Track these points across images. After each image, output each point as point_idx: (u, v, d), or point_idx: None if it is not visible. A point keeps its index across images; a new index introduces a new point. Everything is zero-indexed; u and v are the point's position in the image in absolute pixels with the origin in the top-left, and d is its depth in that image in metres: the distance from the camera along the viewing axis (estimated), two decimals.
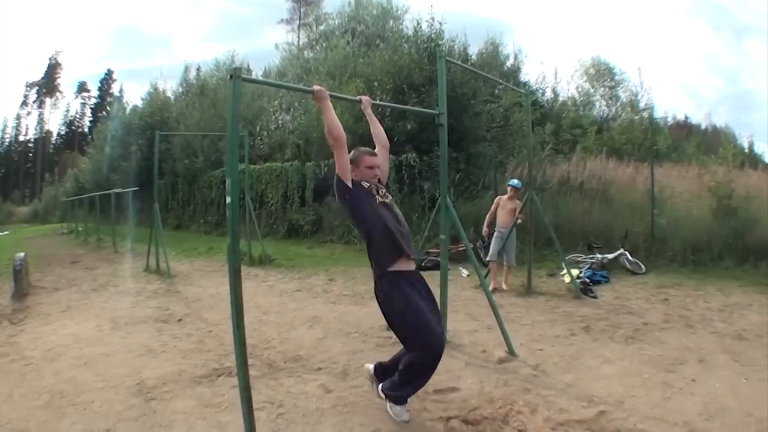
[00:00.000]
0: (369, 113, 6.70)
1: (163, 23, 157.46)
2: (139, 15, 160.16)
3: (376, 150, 6.36)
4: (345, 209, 5.98)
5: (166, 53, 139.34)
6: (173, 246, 20.89)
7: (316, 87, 5.96)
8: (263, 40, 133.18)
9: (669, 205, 17.73)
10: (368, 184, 5.93)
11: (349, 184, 5.81)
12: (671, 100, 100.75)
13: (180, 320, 10.23)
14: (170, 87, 47.64)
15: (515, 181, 13.48)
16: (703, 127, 52.45)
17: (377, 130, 6.54)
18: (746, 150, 36.68)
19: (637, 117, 34.23)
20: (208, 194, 32.57)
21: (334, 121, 5.77)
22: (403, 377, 5.69)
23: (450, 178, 17.89)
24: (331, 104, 5.88)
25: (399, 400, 5.79)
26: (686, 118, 54.58)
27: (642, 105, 36.10)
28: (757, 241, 14.94)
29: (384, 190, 6.06)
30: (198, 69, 46.99)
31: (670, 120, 44.49)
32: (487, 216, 13.13)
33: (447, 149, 8.56)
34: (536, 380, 6.81)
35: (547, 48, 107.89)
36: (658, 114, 38.18)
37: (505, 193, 13.15)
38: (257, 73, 41.24)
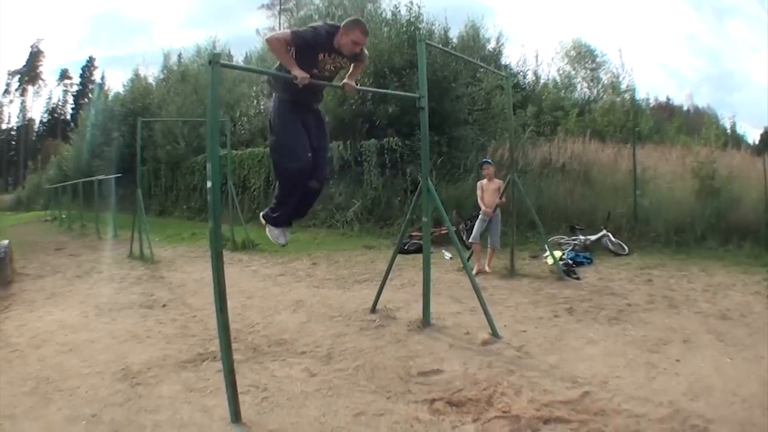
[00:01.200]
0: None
1: (143, 9, 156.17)
2: (119, 2, 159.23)
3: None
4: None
5: (147, 39, 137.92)
6: (156, 232, 20.80)
7: (298, 72, 6.07)
8: (244, 26, 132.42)
9: (651, 187, 17.72)
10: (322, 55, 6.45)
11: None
12: (653, 81, 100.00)
13: (164, 306, 10.24)
14: (152, 73, 47.42)
15: (486, 159, 13.88)
16: (685, 108, 52.55)
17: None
18: (728, 131, 36.86)
19: (618, 99, 34.02)
20: (190, 180, 32.50)
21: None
22: (276, 200, 6.80)
23: (432, 161, 17.90)
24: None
25: (274, 221, 6.95)
26: (668, 99, 54.55)
27: (623, 87, 35.86)
28: (740, 221, 15.01)
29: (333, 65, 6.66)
30: (179, 55, 46.79)
31: (652, 101, 44.42)
32: (478, 201, 13.07)
33: (428, 132, 8.58)
34: (520, 362, 6.82)
35: (528, 30, 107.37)
36: (640, 95, 38.26)
37: (484, 178, 13.18)
38: (238, 59, 41.03)
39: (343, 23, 6.54)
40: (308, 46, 6.27)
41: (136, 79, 45.70)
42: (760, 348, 7.09)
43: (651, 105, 42.19)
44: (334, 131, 22.50)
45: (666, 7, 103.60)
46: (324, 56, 6.43)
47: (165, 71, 45.42)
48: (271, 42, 6.31)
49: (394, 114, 20.97)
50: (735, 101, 75.25)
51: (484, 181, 13.04)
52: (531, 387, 5.93)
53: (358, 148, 21.78)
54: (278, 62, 6.36)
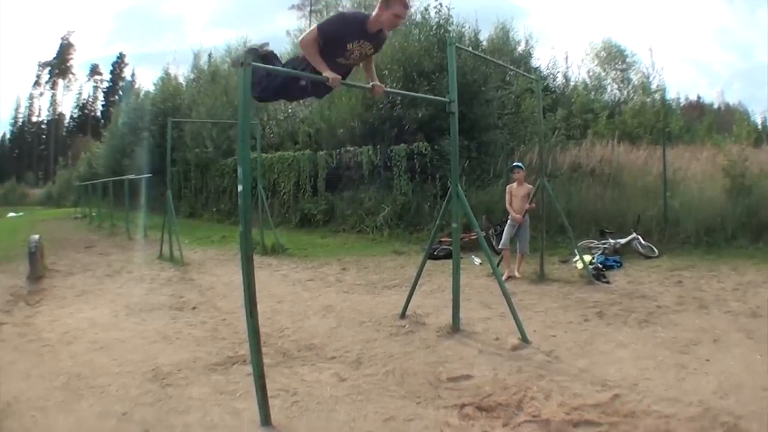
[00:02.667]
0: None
1: (173, 5, 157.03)
2: None
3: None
4: None
5: (178, 37, 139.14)
6: (186, 234, 20.85)
7: (330, 75, 6.09)
8: (275, 26, 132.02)
9: (682, 187, 17.61)
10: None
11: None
12: (684, 79, 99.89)
13: (194, 308, 10.31)
14: (182, 72, 47.49)
15: (517, 163, 13.66)
16: (716, 106, 52.19)
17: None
18: (759, 126, 36.58)
19: (649, 99, 33.86)
20: (220, 183, 32.45)
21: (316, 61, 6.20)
22: None
23: (461, 166, 17.90)
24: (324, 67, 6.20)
25: None
26: (699, 98, 54.55)
27: (654, 87, 35.69)
28: None
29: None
30: (209, 55, 46.83)
31: (682, 101, 44.28)
32: (507, 206, 13.03)
33: (458, 137, 8.57)
34: (550, 366, 6.81)
35: (558, 31, 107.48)
36: (670, 95, 38.13)
37: (513, 181, 13.15)
38: None
39: None
40: (338, 36, 6.21)
41: (167, 78, 45.63)
42: None
43: (681, 104, 42.06)
44: (362, 136, 22.73)
45: (697, 0, 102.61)
46: (352, 45, 6.31)
47: (195, 71, 45.49)
48: (303, 45, 6.23)
49: (423, 118, 20.91)
50: (767, 95, 74.52)
51: (514, 185, 12.99)
52: (561, 391, 5.91)
53: (388, 153, 21.71)
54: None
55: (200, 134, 34.04)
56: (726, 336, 7.60)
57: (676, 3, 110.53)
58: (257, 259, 11.27)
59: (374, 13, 6.23)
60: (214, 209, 32.32)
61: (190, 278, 13.53)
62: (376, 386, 6.20)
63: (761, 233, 14.74)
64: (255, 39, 79.45)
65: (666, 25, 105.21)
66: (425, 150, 20.76)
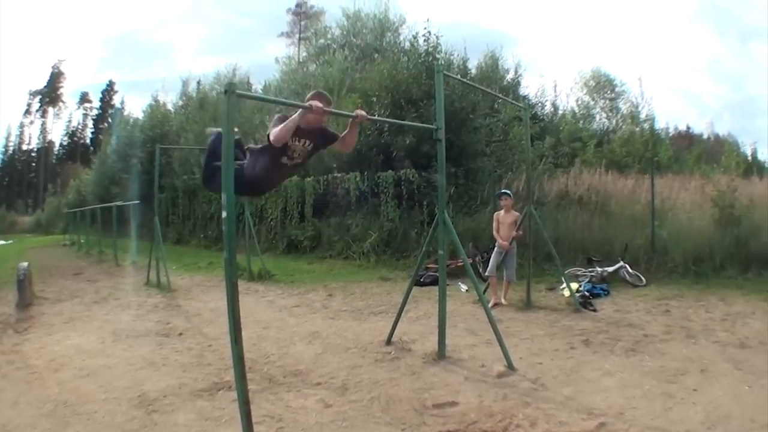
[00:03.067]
0: (355, 126, 6.86)
1: (162, 33, 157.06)
2: (139, 25, 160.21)
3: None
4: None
5: (167, 64, 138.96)
6: (174, 260, 20.86)
7: (314, 103, 6.12)
8: (264, 53, 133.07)
9: (670, 217, 17.69)
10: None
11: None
12: (674, 109, 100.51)
13: (180, 334, 10.32)
14: (170, 100, 47.73)
15: (504, 190, 13.78)
16: (705, 136, 52.42)
17: (350, 139, 6.93)
18: (749, 158, 36.73)
19: (637, 129, 34.08)
20: (207, 209, 32.46)
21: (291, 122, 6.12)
22: None
23: (448, 192, 17.99)
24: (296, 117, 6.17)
25: None
26: (688, 128, 54.65)
27: (643, 116, 35.89)
28: (761, 249, 14.96)
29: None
30: (198, 82, 47.06)
31: (671, 131, 44.46)
32: (494, 233, 13.09)
33: (445, 164, 8.61)
34: (536, 394, 6.82)
35: (547, 60, 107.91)
36: (660, 125, 38.22)
37: (501, 208, 13.21)
38: (257, 87, 41.22)
39: (309, 94, 6.63)
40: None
41: (156, 105, 46.05)
42: None
43: (671, 134, 42.20)
44: (350, 162, 22.71)
45: (689, 32, 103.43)
46: (292, 142, 6.37)
47: (184, 98, 45.71)
48: (275, 138, 6.15)
49: (411, 145, 20.99)
50: (757, 127, 74.87)
51: (501, 212, 13.05)
52: (546, 419, 5.94)
53: (375, 180, 21.73)
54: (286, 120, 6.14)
55: (188, 161, 34.09)
56: (714, 366, 7.61)
57: (667, 33, 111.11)
58: (244, 285, 11.32)
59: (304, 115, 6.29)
60: (202, 235, 32.39)
61: (176, 304, 13.52)
62: (362, 413, 6.20)
63: (750, 264, 14.73)
64: (244, 66, 79.20)
65: (657, 56, 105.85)
66: (412, 177, 20.79)
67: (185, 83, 46.86)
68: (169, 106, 46.67)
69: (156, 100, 46.91)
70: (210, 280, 17.68)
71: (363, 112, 6.92)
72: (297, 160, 6.54)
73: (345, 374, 7.66)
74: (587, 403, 6.33)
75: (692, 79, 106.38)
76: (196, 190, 33.33)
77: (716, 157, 30.89)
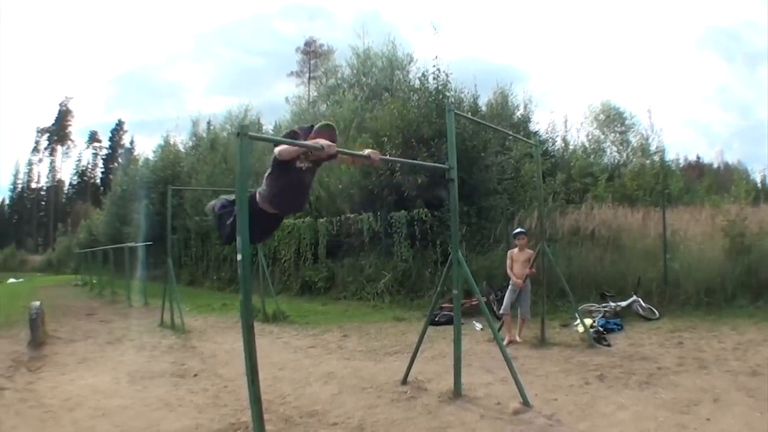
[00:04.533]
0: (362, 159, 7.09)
1: (171, 72, 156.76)
2: (146, 62, 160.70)
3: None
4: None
5: (176, 103, 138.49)
6: (187, 301, 20.76)
7: (324, 142, 6.16)
8: (274, 92, 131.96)
9: (682, 249, 17.59)
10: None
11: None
12: (683, 139, 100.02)
13: (196, 375, 10.33)
14: (181, 140, 47.75)
15: (520, 229, 13.74)
16: (715, 165, 52.26)
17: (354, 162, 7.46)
18: (759, 185, 36.58)
19: (648, 161, 33.62)
20: (220, 251, 32.23)
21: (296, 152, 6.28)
22: None
23: (461, 231, 17.94)
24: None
25: None
26: (698, 158, 54.58)
27: (653, 148, 35.32)
28: None
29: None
30: (208, 122, 47.09)
31: (681, 161, 44.26)
32: (508, 271, 13.13)
33: (458, 203, 8.69)
34: (551, 429, 6.87)
35: (557, 94, 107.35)
36: (670, 156, 37.97)
37: (515, 246, 13.24)
38: (268, 127, 41.13)
39: (316, 125, 6.67)
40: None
41: (166, 146, 46.06)
42: None
43: (681, 165, 42.03)
44: (362, 203, 22.77)
45: (696, 59, 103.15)
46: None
47: (194, 138, 45.70)
48: (279, 151, 6.32)
49: (423, 185, 20.91)
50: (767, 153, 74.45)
51: (515, 250, 13.10)
52: None
53: (388, 220, 21.69)
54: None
55: (200, 201, 33.74)
56: (726, 395, 7.66)
57: (674, 62, 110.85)
58: (258, 327, 11.33)
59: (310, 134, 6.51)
60: (215, 277, 32.24)
61: (191, 345, 13.55)
62: None
63: (761, 292, 14.72)
64: (255, 105, 79.17)
65: (665, 85, 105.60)
66: (425, 216, 20.75)
67: (195, 123, 46.92)
68: (180, 147, 46.64)
69: (167, 140, 46.93)
70: (224, 321, 17.67)
71: (376, 153, 7.00)
72: (309, 163, 6.60)
73: (361, 414, 7.66)
74: None
75: (701, 108, 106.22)
76: (208, 231, 33.10)
77: (726, 186, 30.62)
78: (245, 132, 5.59)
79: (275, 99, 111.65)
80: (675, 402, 7.45)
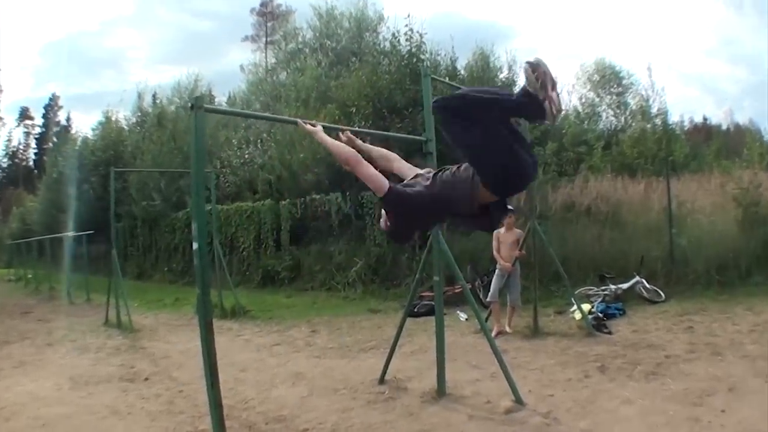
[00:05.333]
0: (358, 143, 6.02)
1: (111, 40, 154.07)
2: (82, 30, 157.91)
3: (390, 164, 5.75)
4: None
5: (118, 75, 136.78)
6: (135, 297, 20.83)
7: (304, 124, 5.81)
8: (226, 60, 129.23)
9: (689, 223, 17.67)
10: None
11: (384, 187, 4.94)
12: (688, 98, 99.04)
13: (147, 379, 10.24)
14: (123, 116, 47.19)
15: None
16: (724, 127, 52.17)
17: (377, 152, 5.86)
18: None
19: (649, 125, 33.43)
20: (171, 239, 32.32)
21: (334, 147, 5.38)
22: None
23: None
24: (323, 135, 5.56)
25: None
26: (705, 119, 54.28)
27: (654, 111, 35.16)
28: None
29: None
30: (154, 95, 46.67)
31: (686, 124, 44.11)
32: (494, 254, 13.11)
33: None
34: (548, 429, 6.86)
35: (546, 53, 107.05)
36: (673, 119, 37.74)
37: (502, 226, 13.05)
38: (220, 99, 40.94)
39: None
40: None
41: (107, 123, 45.42)
42: None
43: (686, 128, 41.95)
44: (330, 182, 22.64)
45: (700, 7, 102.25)
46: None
47: (139, 113, 45.30)
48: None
49: None
50: None
51: (502, 230, 13.01)
52: None
53: (359, 200, 21.73)
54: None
55: (147, 185, 33.92)
56: (743, 383, 7.71)
57: (674, 12, 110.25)
58: (216, 324, 11.29)
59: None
60: (166, 269, 32.25)
61: (141, 346, 13.47)
62: None
63: None
64: (207, 76, 78.64)
65: (665, 38, 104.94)
66: None
67: (140, 96, 46.46)
68: (123, 123, 46.23)
69: (108, 117, 46.29)
70: (177, 318, 17.60)
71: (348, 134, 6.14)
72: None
73: (335, 419, 7.60)
74: None
75: (706, 63, 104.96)
76: (157, 218, 33.32)
77: (738, 150, 30.59)
78: (200, 104, 5.51)
79: (229, 68, 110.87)
80: (686, 393, 7.44)
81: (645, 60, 79.65)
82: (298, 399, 8.67)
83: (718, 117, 78.16)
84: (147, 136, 38.75)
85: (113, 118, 46.45)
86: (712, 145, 35.44)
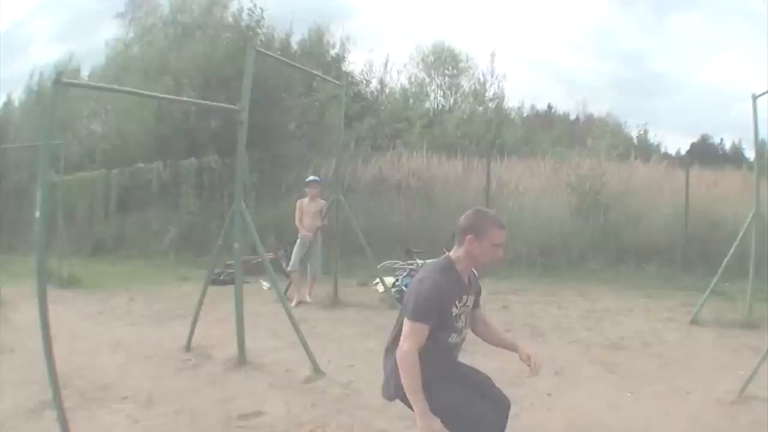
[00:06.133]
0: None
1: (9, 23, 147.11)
2: None
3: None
4: None
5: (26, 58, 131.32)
6: (2, 269, 19.46)
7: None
8: (101, 36, 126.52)
9: (511, 204, 18.45)
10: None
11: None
12: (536, 86, 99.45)
13: (12, 350, 9.99)
14: (17, 96, 45.96)
15: (312, 177, 14.31)
16: (573, 117, 53.14)
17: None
18: (634, 140, 38.08)
19: (480, 108, 34.89)
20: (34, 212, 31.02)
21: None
22: None
23: (252, 180, 18.79)
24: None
25: None
26: (549, 107, 55.05)
27: (490, 94, 36.67)
28: (642, 240, 16.03)
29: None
30: (40, 74, 45.69)
31: (527, 110, 45.05)
32: (296, 223, 13.62)
33: (246, 149, 9.18)
34: (348, 399, 7.28)
35: (388, 34, 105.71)
36: (513, 104, 39.06)
37: (306, 196, 13.72)
38: (85, 73, 40.48)
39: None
40: (441, 305, 4.37)
41: (9, 105, 44.44)
42: (679, 380, 7.92)
43: (525, 114, 43.03)
44: (154, 151, 22.95)
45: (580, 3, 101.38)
46: (456, 306, 4.54)
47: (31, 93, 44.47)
48: (402, 363, 4.29)
49: (216, 129, 21.42)
50: (657, 107, 74.87)
51: (305, 200, 13.61)
52: (363, 427, 6.37)
53: (177, 169, 22.16)
54: None
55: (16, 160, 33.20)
56: (572, 368, 8.38)
57: (549, 4, 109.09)
58: (58, 294, 11.66)
59: (462, 250, 4.72)
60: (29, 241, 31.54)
61: (5, 318, 13.05)
62: (169, 427, 6.53)
63: (623, 256, 15.91)
64: (84, 52, 75.91)
65: (520, 27, 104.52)
66: (215, 164, 21.38)
67: (31, 77, 45.43)
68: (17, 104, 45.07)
69: (10, 99, 45.23)
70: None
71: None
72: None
73: (150, 386, 7.89)
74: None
75: (565, 54, 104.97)
76: (23, 192, 32.61)
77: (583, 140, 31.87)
78: (59, 79, 5.85)
79: (101, 44, 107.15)
80: (502, 372, 6.33)
81: (491, 47, 80.00)
82: (118, 366, 8.95)
83: (569, 106, 78.76)
84: (27, 113, 37.62)
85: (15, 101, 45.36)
86: (552, 132, 36.40)
